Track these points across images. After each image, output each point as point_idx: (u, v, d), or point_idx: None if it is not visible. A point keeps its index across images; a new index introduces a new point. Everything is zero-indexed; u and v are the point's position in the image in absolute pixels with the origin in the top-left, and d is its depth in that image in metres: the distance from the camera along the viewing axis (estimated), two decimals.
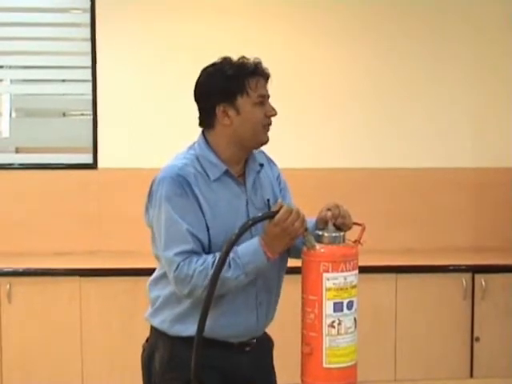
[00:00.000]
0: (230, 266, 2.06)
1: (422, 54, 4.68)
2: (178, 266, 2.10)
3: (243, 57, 2.23)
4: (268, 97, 2.25)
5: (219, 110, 2.19)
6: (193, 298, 2.14)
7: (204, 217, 2.14)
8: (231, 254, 2.04)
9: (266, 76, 2.23)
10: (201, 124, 2.27)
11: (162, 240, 2.14)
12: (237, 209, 2.19)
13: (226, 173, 2.21)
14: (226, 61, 2.23)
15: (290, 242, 2.09)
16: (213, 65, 2.25)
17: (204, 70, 2.26)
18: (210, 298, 1.92)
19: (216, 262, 2.00)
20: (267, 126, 2.23)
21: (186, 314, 2.18)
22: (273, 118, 2.24)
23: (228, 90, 2.18)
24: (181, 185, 2.13)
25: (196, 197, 2.14)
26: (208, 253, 2.13)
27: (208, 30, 4.48)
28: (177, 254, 2.10)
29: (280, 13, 4.57)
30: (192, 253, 2.10)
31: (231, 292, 2.13)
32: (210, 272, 2.02)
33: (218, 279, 1.97)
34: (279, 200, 2.16)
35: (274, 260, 2.14)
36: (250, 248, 2.08)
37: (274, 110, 2.22)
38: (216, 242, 2.13)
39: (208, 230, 2.14)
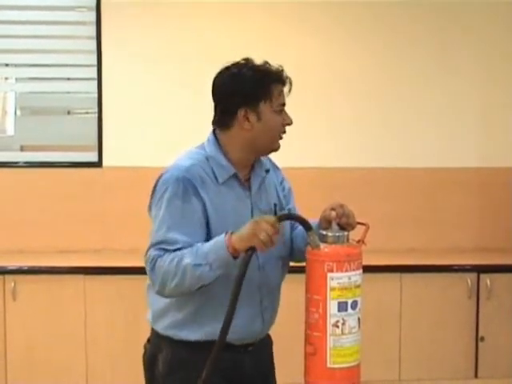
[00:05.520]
0: (193, 253, 2.02)
1: (426, 54, 4.66)
2: (154, 258, 2.08)
3: (266, 62, 2.19)
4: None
5: (241, 113, 2.15)
6: (166, 294, 2.10)
7: (209, 220, 2.11)
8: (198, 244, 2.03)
9: (286, 85, 2.20)
10: (216, 123, 2.22)
11: (153, 239, 2.12)
12: (241, 213, 2.16)
13: (234, 176, 2.19)
14: (249, 63, 2.18)
15: (254, 245, 1.95)
16: (236, 65, 2.19)
17: (226, 70, 2.19)
18: (235, 302, 1.88)
19: (239, 264, 1.93)
20: (282, 134, 2.21)
21: (189, 320, 2.17)
22: None
23: (253, 94, 2.14)
24: (185, 188, 2.09)
25: (203, 201, 2.10)
26: None
27: (214, 29, 4.48)
28: (157, 249, 2.09)
29: (277, 12, 4.55)
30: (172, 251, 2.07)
31: (209, 289, 2.06)
32: (183, 262, 2.00)
33: (243, 280, 1.91)
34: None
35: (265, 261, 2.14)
36: (214, 239, 2.04)
37: (290, 119, 2.21)
38: None
39: (210, 233, 2.10)
